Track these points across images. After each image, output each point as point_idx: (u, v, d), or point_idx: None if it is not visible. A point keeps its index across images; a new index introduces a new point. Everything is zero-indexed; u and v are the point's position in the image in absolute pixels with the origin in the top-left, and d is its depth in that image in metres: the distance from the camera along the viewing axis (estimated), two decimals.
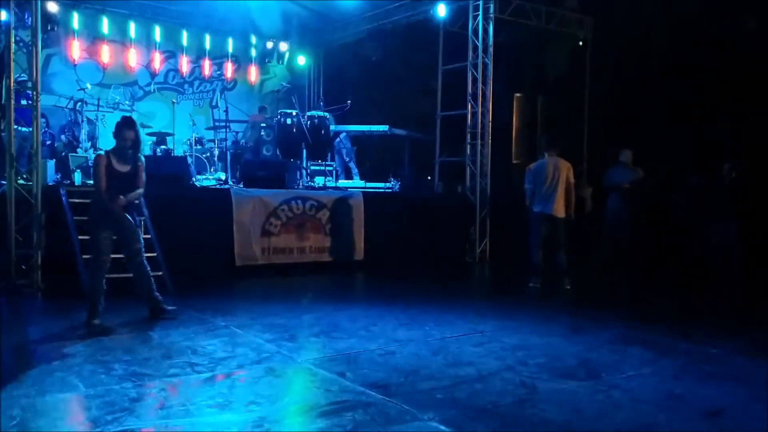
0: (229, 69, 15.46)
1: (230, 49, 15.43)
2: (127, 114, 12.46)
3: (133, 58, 14.20)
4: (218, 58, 15.42)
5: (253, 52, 15.80)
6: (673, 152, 11.98)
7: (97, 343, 5.87)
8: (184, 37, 14.75)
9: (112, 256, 6.72)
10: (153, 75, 14.61)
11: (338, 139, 13.51)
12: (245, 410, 4.33)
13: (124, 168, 6.63)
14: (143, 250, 6.88)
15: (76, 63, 13.47)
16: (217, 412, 4.28)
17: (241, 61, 15.82)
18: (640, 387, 4.97)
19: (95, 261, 6.60)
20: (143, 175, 6.75)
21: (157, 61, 14.53)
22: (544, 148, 9.26)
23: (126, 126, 6.63)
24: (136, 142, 6.69)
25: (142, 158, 6.83)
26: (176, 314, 6.94)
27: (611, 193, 12.09)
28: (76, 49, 13.43)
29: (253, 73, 15.89)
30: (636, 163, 11.96)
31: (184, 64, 14.84)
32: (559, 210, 8.95)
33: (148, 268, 6.89)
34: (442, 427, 4.05)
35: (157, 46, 14.48)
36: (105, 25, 13.74)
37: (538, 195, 9.08)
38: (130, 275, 6.98)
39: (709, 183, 11.23)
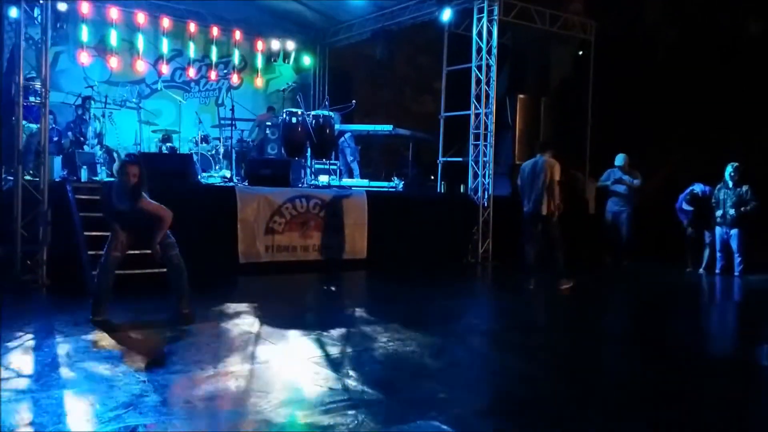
0: (234, 69, 15.54)
1: (237, 48, 15.49)
2: (134, 109, 12.68)
3: (140, 55, 14.27)
4: (224, 57, 15.49)
5: (260, 52, 15.84)
6: (676, 154, 12.02)
7: (101, 340, 5.93)
8: (191, 35, 14.80)
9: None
10: (160, 73, 14.67)
11: (343, 139, 13.57)
12: (248, 407, 4.39)
13: (121, 207, 6.50)
14: (176, 244, 6.75)
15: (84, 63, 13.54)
16: (219, 409, 4.34)
17: (247, 60, 15.88)
18: (646, 386, 5.03)
19: (106, 256, 6.60)
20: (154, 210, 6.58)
21: (164, 61, 14.62)
22: (538, 150, 9.48)
23: (129, 162, 6.54)
24: (139, 181, 6.43)
25: (145, 195, 6.51)
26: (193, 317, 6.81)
27: (610, 195, 12.18)
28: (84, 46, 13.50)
29: (259, 72, 15.94)
30: (639, 165, 12.02)
31: (191, 69, 14.93)
32: (543, 208, 9.12)
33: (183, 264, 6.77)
34: (444, 427, 4.09)
35: (164, 44, 14.54)
36: (113, 19, 13.79)
37: (525, 194, 9.30)
38: (138, 272, 7.02)
39: (713, 188, 11.30)
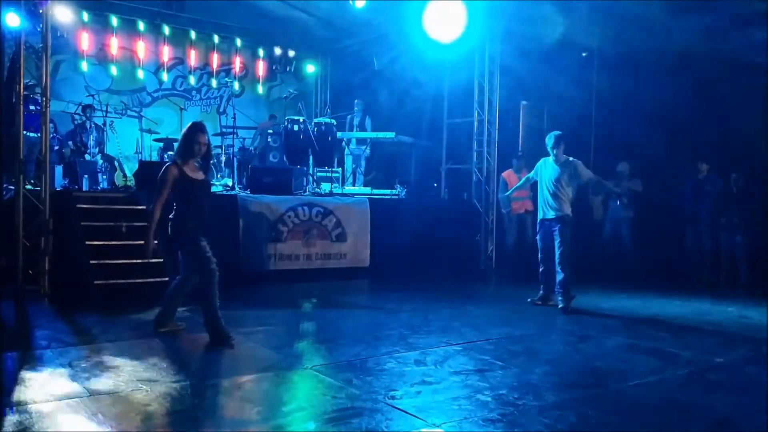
0: (236, 77, 15.58)
1: (238, 55, 15.53)
2: (135, 118, 12.69)
3: (141, 63, 14.33)
4: (226, 65, 15.51)
5: (261, 59, 15.87)
6: (680, 162, 11.95)
7: (104, 349, 5.89)
8: (192, 43, 14.85)
9: (123, 261, 6.64)
10: (161, 81, 14.69)
11: (365, 147, 13.62)
12: (253, 416, 4.34)
13: (198, 176, 6.29)
14: None
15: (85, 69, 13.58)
16: (225, 419, 4.30)
17: (248, 68, 15.90)
18: (646, 395, 4.97)
19: (209, 270, 6.17)
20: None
21: (165, 69, 14.67)
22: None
23: (200, 130, 6.24)
24: (209, 150, 6.36)
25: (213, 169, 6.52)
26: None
27: (611, 202, 12.09)
28: (84, 55, 13.56)
29: (260, 80, 15.97)
30: (642, 173, 11.95)
31: (192, 77, 14.99)
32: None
33: None
34: None
35: (165, 52, 14.59)
36: (113, 28, 13.85)
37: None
38: (141, 281, 6.95)
39: (717, 192, 11.23)
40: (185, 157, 6.21)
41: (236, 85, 15.65)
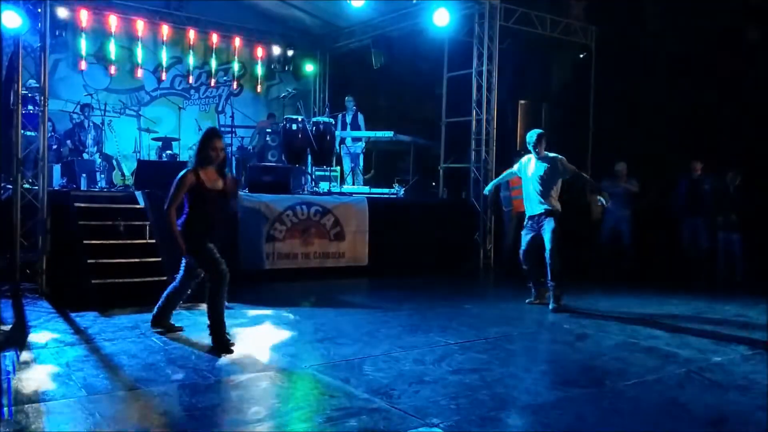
0: (234, 76, 15.60)
1: (236, 55, 15.53)
2: (133, 117, 12.69)
3: (140, 63, 14.33)
4: (224, 64, 15.51)
5: (260, 58, 15.88)
6: (677, 160, 11.96)
7: (102, 348, 5.88)
8: (191, 42, 14.85)
9: (121, 260, 6.59)
10: (159, 80, 14.69)
11: (360, 144, 13.62)
12: (250, 416, 4.33)
13: (217, 185, 6.19)
14: None
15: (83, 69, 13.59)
16: (222, 418, 4.29)
17: (247, 67, 15.90)
18: (644, 394, 4.98)
19: (219, 272, 6.05)
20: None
21: (163, 67, 14.66)
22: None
23: (215, 136, 6.16)
24: (225, 156, 6.25)
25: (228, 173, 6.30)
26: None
27: (600, 199, 12.07)
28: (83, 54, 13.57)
29: (259, 79, 15.98)
30: (639, 172, 11.94)
31: (190, 76, 15.01)
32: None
33: None
34: None
35: (164, 51, 14.58)
36: (112, 27, 13.85)
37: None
38: (139, 280, 6.93)
39: (713, 191, 11.24)
40: (202, 163, 6.13)
41: (234, 84, 15.65)
